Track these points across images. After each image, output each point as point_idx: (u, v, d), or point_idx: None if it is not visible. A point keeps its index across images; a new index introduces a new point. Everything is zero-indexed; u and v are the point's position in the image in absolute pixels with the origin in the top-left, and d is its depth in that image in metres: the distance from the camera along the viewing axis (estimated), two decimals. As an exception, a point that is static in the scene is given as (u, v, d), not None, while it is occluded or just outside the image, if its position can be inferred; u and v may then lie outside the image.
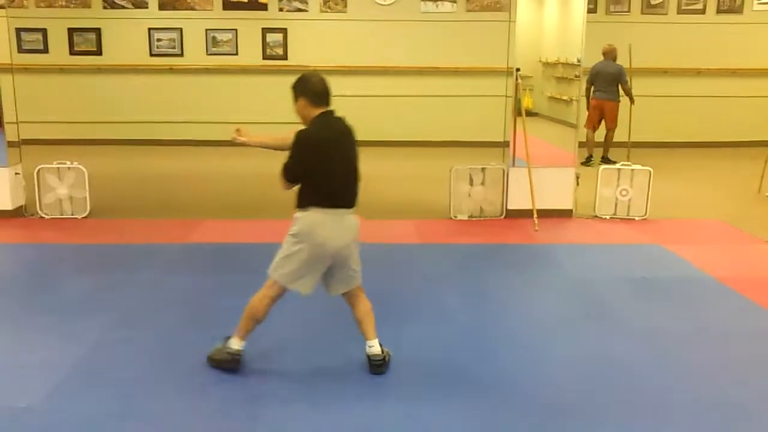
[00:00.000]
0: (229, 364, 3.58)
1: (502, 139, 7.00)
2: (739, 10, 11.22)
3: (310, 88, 3.54)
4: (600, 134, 9.71)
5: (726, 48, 11.21)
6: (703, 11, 11.21)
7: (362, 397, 3.42)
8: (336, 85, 10.79)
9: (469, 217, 6.87)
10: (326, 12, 11.03)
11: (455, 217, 6.85)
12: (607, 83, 9.48)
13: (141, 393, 3.43)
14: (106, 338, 4.05)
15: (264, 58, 11.08)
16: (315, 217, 3.47)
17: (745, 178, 8.61)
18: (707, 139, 11.33)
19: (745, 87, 11.36)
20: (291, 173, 3.50)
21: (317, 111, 3.53)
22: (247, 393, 3.44)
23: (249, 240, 6.00)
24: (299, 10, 11.02)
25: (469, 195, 6.86)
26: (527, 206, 6.66)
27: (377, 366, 3.59)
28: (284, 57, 11.04)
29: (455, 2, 11.02)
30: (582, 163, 9.15)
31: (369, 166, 10.12)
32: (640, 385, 3.58)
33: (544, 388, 3.53)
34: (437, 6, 11.03)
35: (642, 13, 11.17)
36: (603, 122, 9.62)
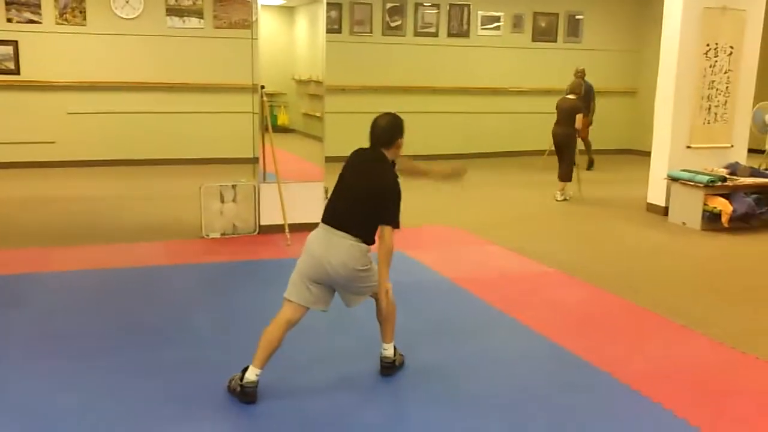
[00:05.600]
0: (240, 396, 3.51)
1: (251, 156, 7.06)
2: (466, 34, 12.38)
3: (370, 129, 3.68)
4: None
5: (457, 68, 12.30)
6: (436, 34, 12.21)
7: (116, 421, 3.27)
8: (77, 102, 10.33)
9: (221, 234, 6.83)
10: (63, 24, 10.38)
11: (207, 235, 6.77)
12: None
13: None
14: None
15: (-8, 73, 10.15)
16: (314, 232, 3.62)
17: (470, 187, 9.46)
18: (441, 152, 12.32)
19: (474, 104, 12.56)
20: None
21: None
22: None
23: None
24: (31, 21, 10.25)
25: (221, 213, 6.82)
26: (280, 221, 6.77)
27: (387, 368, 3.83)
28: (16, 71, 10.18)
29: (203, 18, 10.93)
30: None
31: (114, 185, 9.69)
32: (380, 383, 3.79)
33: (296, 394, 3.61)
34: (184, 22, 10.86)
35: (383, 35, 11.89)
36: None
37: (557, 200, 9.03)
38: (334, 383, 3.79)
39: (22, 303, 4.91)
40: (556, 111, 9.18)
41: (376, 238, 3.59)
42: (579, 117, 8.96)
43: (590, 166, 11.61)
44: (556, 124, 9.14)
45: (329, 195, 3.67)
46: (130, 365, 3.93)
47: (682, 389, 3.79)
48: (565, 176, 9.09)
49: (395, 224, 3.58)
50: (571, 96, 9.12)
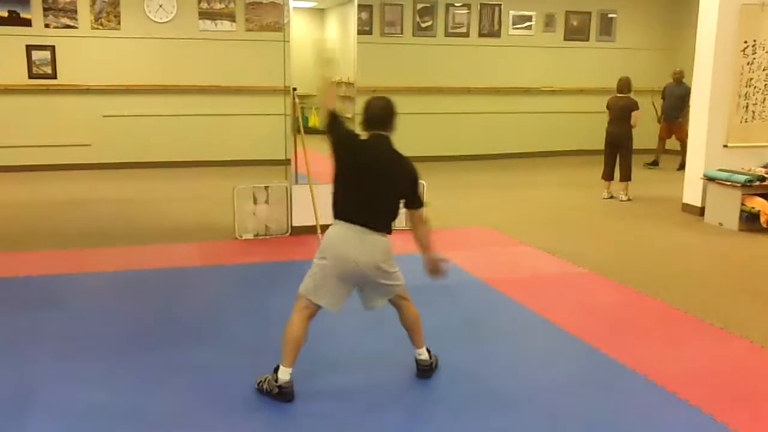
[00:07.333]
0: (278, 397, 3.49)
1: (283, 157, 7.10)
2: (497, 34, 12.30)
3: (364, 114, 3.58)
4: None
5: (489, 68, 12.24)
6: (467, 34, 12.15)
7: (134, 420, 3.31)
8: (112, 105, 10.44)
9: (254, 235, 6.87)
10: (98, 29, 10.54)
11: (240, 236, 6.82)
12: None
13: None
14: None
15: (30, 77, 10.33)
16: (334, 231, 3.48)
17: (503, 187, 9.40)
18: (474, 152, 12.26)
19: (505, 104, 12.46)
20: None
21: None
22: None
23: None
24: (68, 26, 10.42)
25: (254, 214, 6.87)
26: (312, 222, 6.79)
27: (425, 371, 3.80)
28: (53, 76, 10.36)
29: (234, 21, 11.02)
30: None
31: (148, 187, 9.82)
32: (413, 384, 3.79)
33: (329, 395, 3.62)
34: (216, 25, 10.96)
35: (413, 35, 11.87)
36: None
37: (621, 200, 8.93)
38: (365, 384, 3.79)
39: (57, 303, 4.98)
40: (607, 110, 9.07)
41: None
42: (635, 114, 8.83)
43: (681, 167, 11.58)
44: (610, 123, 9.03)
45: (335, 187, 3.50)
46: (163, 366, 3.97)
47: (720, 393, 3.72)
48: (627, 175, 8.97)
49: (422, 204, 3.63)
50: (621, 94, 8.99)
